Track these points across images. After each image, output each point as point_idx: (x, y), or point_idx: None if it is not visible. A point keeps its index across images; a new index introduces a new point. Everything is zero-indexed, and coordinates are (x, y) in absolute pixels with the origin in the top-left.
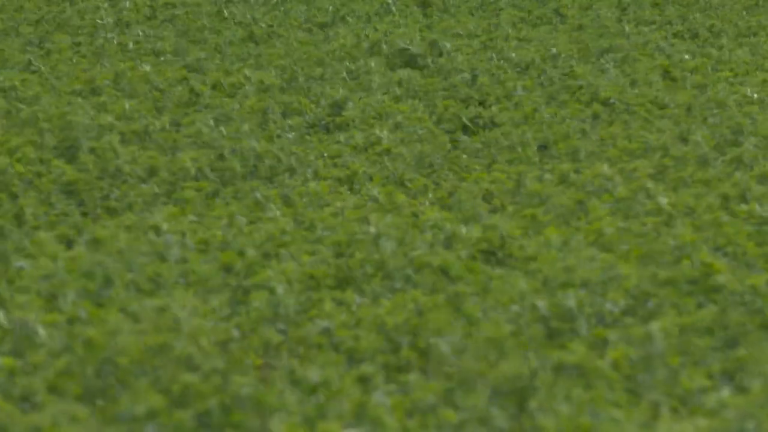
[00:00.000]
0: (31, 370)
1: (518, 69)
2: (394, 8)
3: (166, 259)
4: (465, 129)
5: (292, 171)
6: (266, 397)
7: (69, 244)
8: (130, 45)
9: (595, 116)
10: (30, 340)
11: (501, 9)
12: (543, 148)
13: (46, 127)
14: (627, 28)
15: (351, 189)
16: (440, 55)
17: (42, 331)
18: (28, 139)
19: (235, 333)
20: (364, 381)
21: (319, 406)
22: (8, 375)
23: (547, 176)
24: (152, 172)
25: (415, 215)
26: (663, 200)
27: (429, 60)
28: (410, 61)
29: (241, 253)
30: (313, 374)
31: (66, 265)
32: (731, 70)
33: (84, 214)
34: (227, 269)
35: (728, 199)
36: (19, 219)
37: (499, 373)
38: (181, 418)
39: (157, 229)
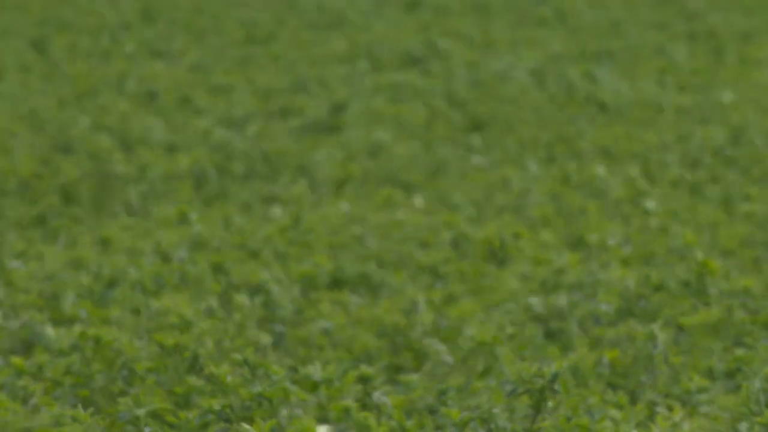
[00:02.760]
0: (36, 370)
1: (517, 70)
2: (391, 11)
3: (168, 260)
4: (463, 129)
5: (292, 172)
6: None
7: (69, 244)
8: (131, 46)
9: (594, 117)
10: (37, 340)
11: (498, 10)
12: (542, 149)
13: (41, 129)
14: (626, 30)
15: (352, 190)
16: (438, 56)
17: (48, 332)
18: (27, 140)
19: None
20: (363, 381)
21: (319, 405)
22: (14, 375)
23: (546, 177)
24: (152, 173)
25: (414, 216)
26: (659, 202)
27: (427, 61)
28: (409, 63)
29: (241, 254)
30: (314, 373)
31: (67, 265)
32: (730, 71)
33: (82, 215)
34: (226, 270)
35: (727, 201)
36: (16, 220)
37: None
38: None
39: (157, 230)
